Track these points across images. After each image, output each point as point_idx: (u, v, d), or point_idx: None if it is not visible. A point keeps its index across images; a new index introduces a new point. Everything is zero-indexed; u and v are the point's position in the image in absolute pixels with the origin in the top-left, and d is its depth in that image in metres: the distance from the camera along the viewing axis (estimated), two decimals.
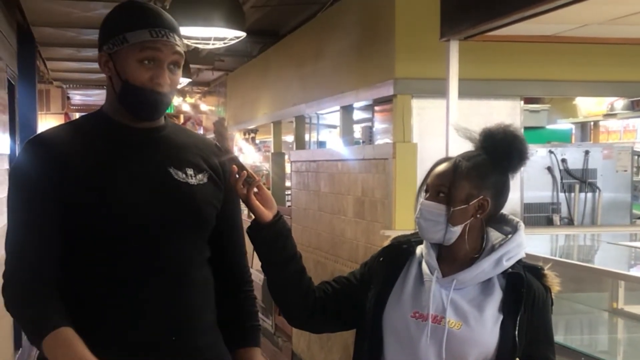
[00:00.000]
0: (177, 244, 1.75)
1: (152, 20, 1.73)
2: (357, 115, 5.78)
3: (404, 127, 4.31)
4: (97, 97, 13.17)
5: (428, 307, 1.73)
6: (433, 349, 1.71)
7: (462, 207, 1.73)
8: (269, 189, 8.20)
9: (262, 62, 7.85)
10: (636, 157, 6.69)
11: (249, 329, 1.93)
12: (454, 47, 3.59)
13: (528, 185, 4.61)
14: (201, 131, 11.72)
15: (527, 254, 1.83)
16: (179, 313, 1.74)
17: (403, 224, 4.06)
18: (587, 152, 4.80)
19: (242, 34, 4.91)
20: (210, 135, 2.14)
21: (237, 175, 1.74)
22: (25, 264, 1.68)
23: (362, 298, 1.83)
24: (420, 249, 1.83)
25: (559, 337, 2.93)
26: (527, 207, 4.65)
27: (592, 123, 7.39)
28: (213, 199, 1.82)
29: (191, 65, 7.66)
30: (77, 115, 12.37)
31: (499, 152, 1.75)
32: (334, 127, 7.80)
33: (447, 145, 3.54)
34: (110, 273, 1.70)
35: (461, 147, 1.87)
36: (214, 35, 4.88)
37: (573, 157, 4.77)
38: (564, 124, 7.23)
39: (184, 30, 4.41)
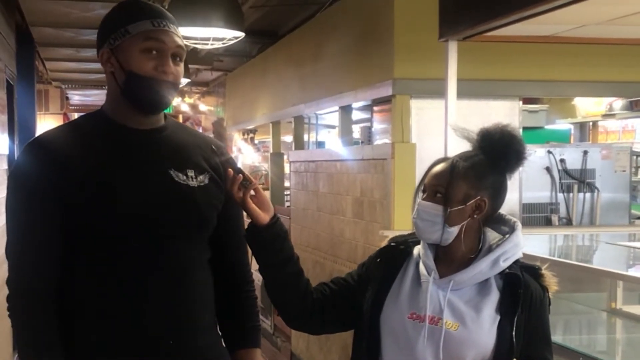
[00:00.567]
0: (178, 245, 1.75)
1: (153, 13, 1.74)
2: (356, 115, 5.78)
3: (402, 127, 4.31)
4: (96, 97, 13.18)
5: (425, 308, 1.72)
6: (430, 350, 1.70)
7: (460, 207, 1.72)
8: (267, 189, 8.19)
9: (261, 62, 7.85)
10: (635, 157, 6.70)
11: (249, 330, 1.93)
12: (452, 48, 3.59)
13: (527, 185, 4.62)
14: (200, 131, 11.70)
15: (525, 254, 1.82)
16: (179, 313, 1.74)
17: (402, 224, 4.06)
18: (585, 153, 4.80)
19: (241, 34, 4.91)
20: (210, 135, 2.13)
21: (232, 179, 1.73)
22: (26, 265, 1.69)
23: (360, 299, 1.82)
24: (417, 250, 1.83)
25: (557, 337, 2.93)
26: (526, 207, 4.65)
27: (590, 123, 7.40)
28: (214, 200, 1.82)
29: (190, 66, 7.66)
30: (76, 116, 12.35)
31: (497, 153, 1.75)
32: (333, 127, 7.80)
33: (445, 145, 3.53)
34: (111, 273, 1.70)
35: (460, 147, 1.86)
36: (212, 35, 4.88)
37: (572, 157, 4.77)
38: (562, 124, 7.22)
39: (183, 31, 4.38)
